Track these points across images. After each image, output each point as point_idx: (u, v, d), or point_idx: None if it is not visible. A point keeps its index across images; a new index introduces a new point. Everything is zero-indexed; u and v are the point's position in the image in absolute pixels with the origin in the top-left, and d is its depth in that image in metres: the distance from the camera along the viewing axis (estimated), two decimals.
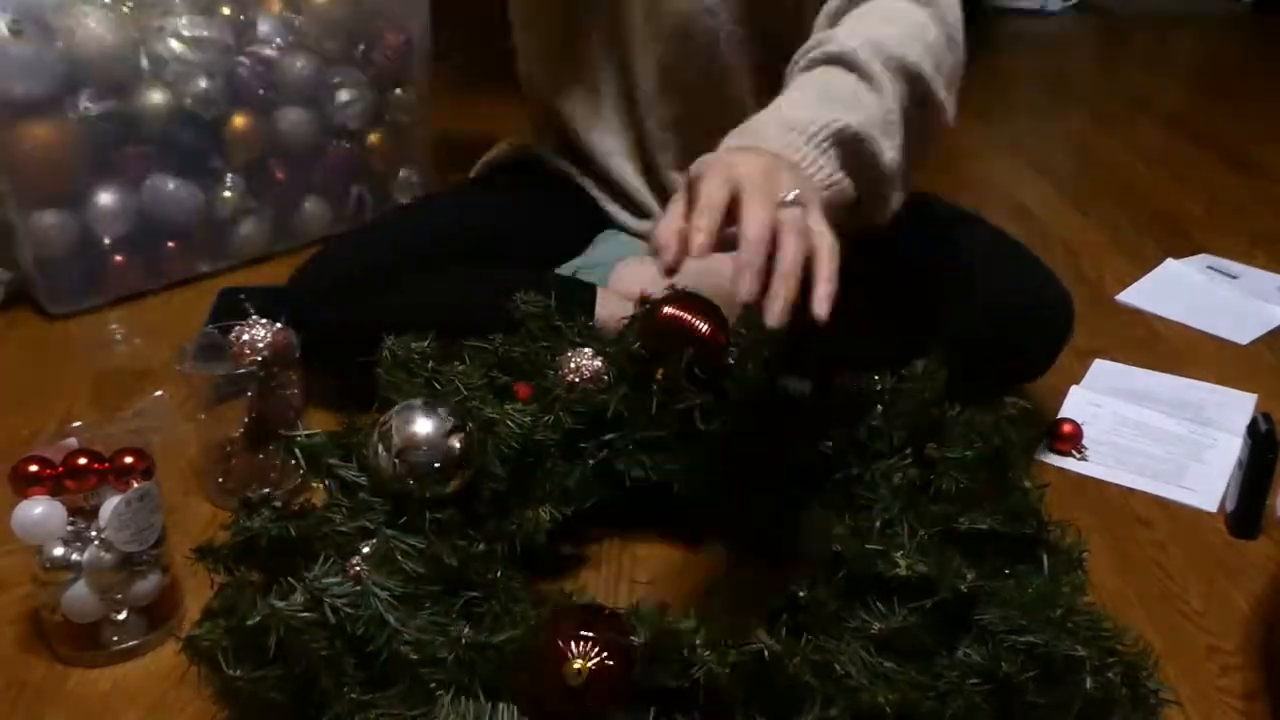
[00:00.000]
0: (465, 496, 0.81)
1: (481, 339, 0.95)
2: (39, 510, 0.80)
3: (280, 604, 0.68)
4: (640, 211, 1.25)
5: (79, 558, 0.81)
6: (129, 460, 0.83)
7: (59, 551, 0.81)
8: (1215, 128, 2.32)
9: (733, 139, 0.80)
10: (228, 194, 1.52)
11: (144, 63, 1.40)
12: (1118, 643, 0.70)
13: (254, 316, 1.00)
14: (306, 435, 0.83)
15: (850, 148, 0.81)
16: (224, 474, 1.04)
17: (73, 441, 0.85)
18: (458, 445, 0.79)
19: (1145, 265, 1.58)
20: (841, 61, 0.85)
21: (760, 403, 0.90)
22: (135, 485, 0.82)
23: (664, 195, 1.21)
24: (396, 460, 0.77)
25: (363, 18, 1.61)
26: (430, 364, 0.91)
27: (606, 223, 1.28)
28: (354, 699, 0.67)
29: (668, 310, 0.91)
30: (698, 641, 0.66)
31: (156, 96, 1.41)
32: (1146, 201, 1.87)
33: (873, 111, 0.82)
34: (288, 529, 0.75)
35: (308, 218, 1.62)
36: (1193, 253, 1.63)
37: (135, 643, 0.84)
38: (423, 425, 0.78)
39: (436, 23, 1.70)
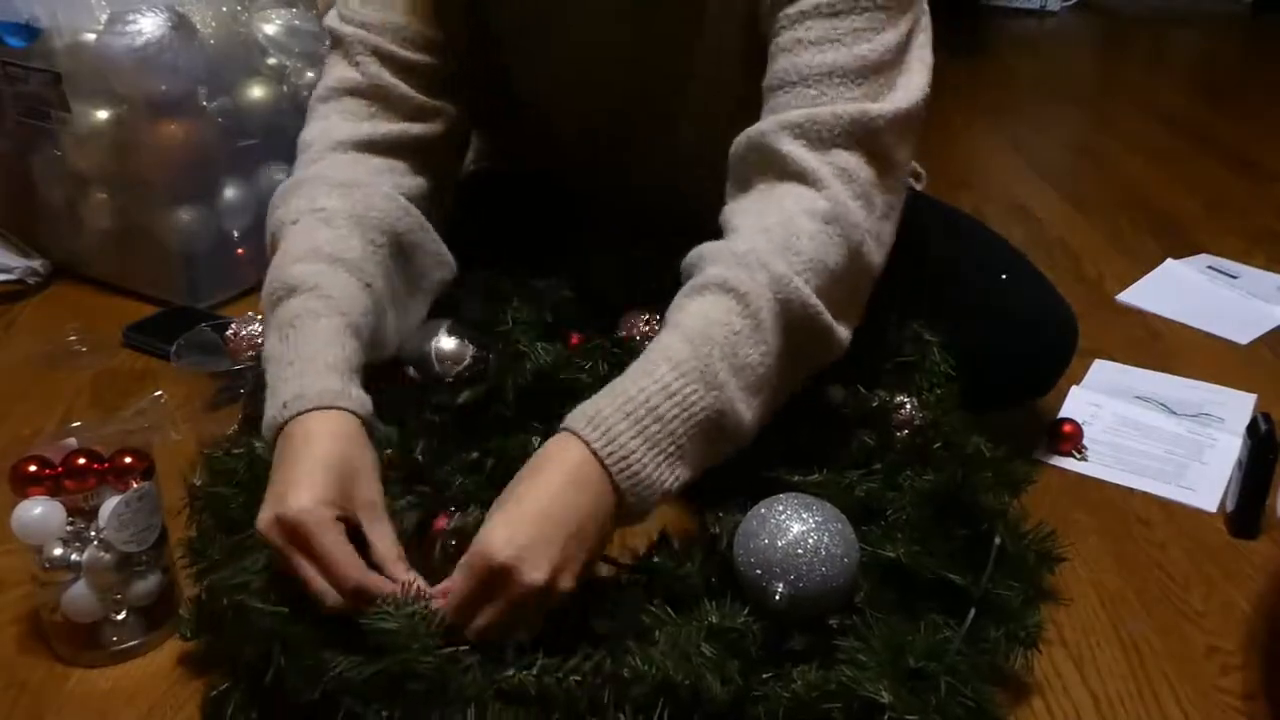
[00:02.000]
0: (475, 412, 0.90)
1: (548, 280, 1.00)
2: (39, 510, 0.80)
3: (257, 443, 0.81)
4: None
5: (79, 558, 0.81)
6: (129, 460, 0.83)
7: (59, 551, 0.81)
8: (1215, 128, 2.32)
9: (577, 420, 0.71)
10: None
11: (248, 55, 1.43)
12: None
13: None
14: None
15: (707, 426, 0.73)
16: None
17: (72, 441, 0.85)
18: (469, 362, 0.90)
19: (1145, 265, 1.58)
20: (731, 292, 0.76)
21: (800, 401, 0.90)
22: (135, 486, 0.82)
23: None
24: (412, 370, 0.88)
25: None
26: (514, 301, 0.98)
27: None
28: None
29: None
30: None
31: (260, 89, 1.44)
32: (1146, 201, 1.87)
33: (749, 371, 0.75)
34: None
35: None
36: (1193, 253, 1.63)
37: (135, 643, 0.84)
38: (446, 342, 0.90)
39: None
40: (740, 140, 0.84)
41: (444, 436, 0.88)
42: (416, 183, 0.93)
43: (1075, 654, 0.85)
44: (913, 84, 0.83)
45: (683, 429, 0.72)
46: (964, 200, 1.22)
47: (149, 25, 1.29)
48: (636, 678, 0.68)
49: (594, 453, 0.70)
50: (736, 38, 0.90)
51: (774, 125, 0.82)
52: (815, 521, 0.73)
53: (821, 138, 0.80)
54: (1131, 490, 1.06)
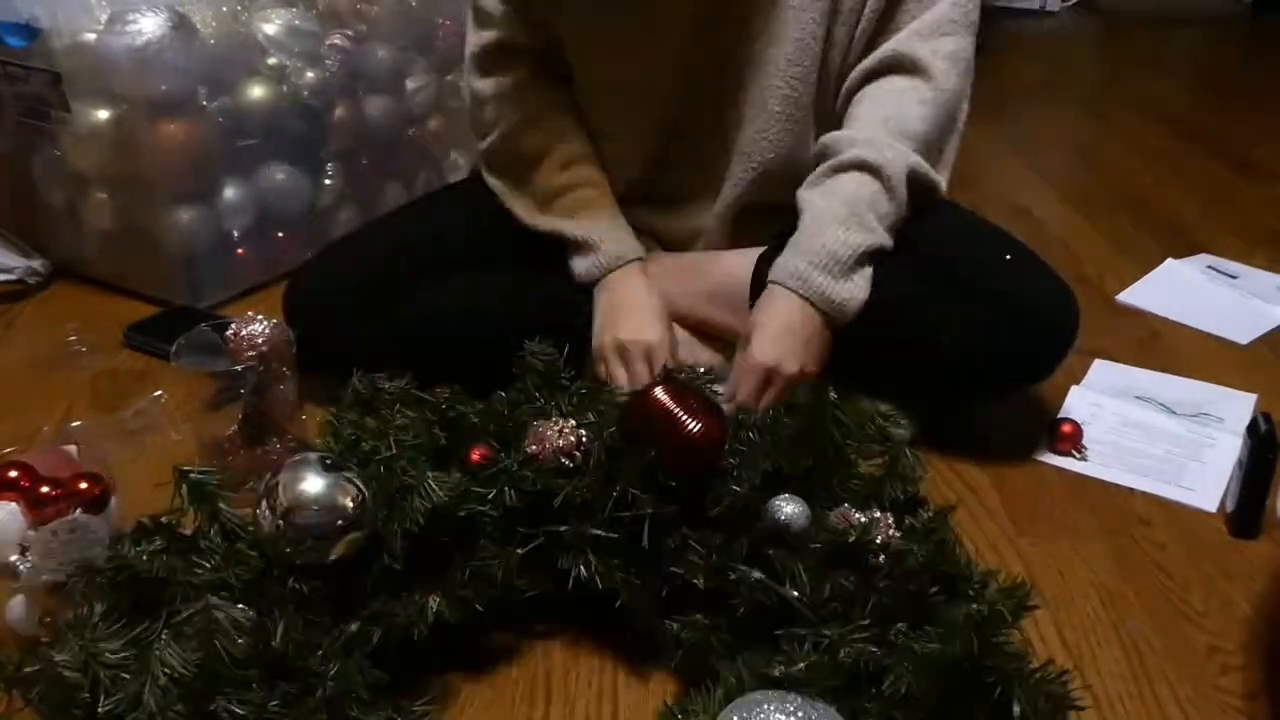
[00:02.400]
0: (355, 569, 0.76)
1: (427, 391, 0.88)
2: None
3: (56, 656, 0.66)
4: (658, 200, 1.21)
5: (25, 569, 0.79)
6: (82, 486, 0.81)
7: (13, 558, 0.79)
8: (1215, 128, 2.32)
9: (782, 277, 1.04)
10: (329, 182, 1.56)
11: (248, 55, 1.43)
12: None
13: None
14: (203, 471, 0.78)
15: (865, 258, 1.04)
16: (221, 471, 1.04)
17: (72, 449, 0.84)
18: (348, 509, 0.74)
19: (1145, 265, 1.58)
20: (867, 169, 1.04)
21: (743, 527, 0.79)
22: (74, 515, 0.79)
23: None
24: (281, 521, 0.72)
25: (425, 4, 1.65)
26: (397, 406, 0.85)
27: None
28: None
29: (658, 396, 0.79)
30: None
31: (260, 89, 1.44)
32: (1146, 201, 1.87)
33: (890, 219, 1.06)
34: (153, 568, 0.73)
35: (389, 203, 1.65)
36: (1193, 253, 1.63)
37: None
38: (313, 484, 0.73)
39: None
40: (869, 58, 1.10)
41: (312, 610, 0.73)
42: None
43: (1075, 654, 0.85)
44: None
45: (852, 261, 1.03)
46: (964, 200, 1.22)
47: (149, 25, 1.29)
48: None
49: (802, 297, 1.03)
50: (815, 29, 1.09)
51: (894, 41, 1.09)
52: None
53: (929, 33, 1.08)
54: (1131, 490, 1.06)
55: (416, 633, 0.76)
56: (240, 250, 1.47)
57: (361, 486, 0.75)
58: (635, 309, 1.10)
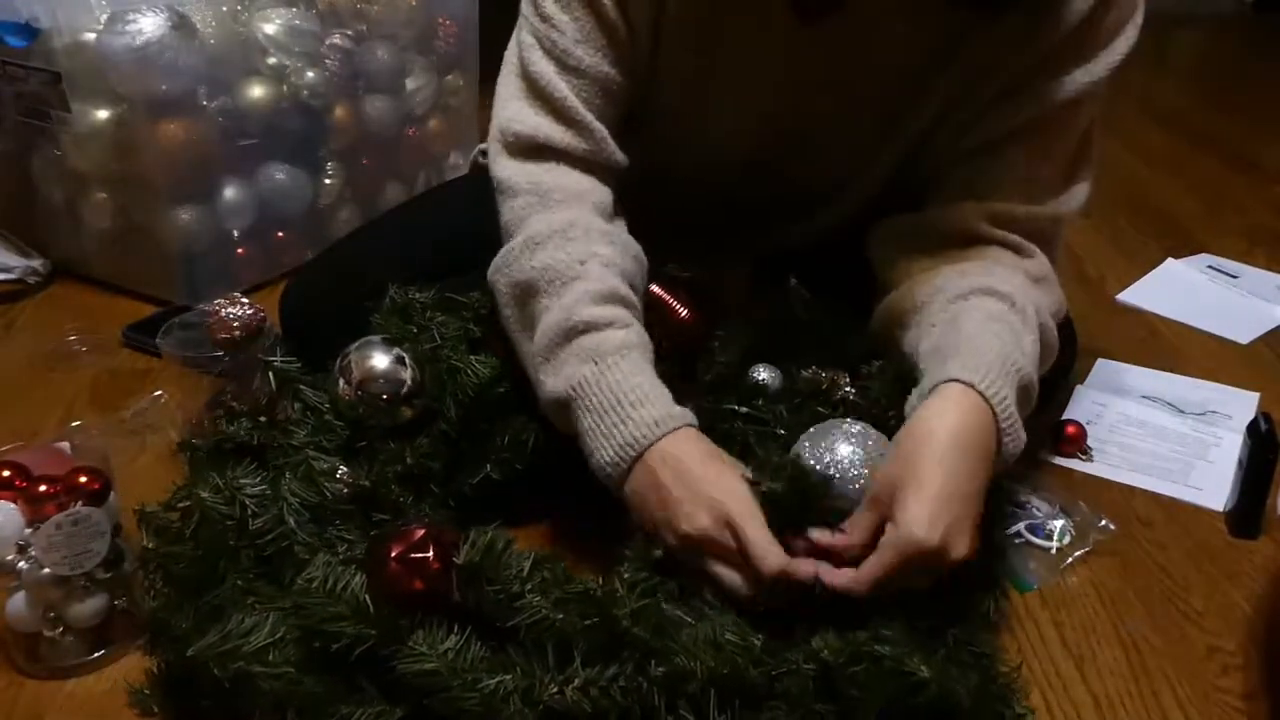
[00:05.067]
0: (419, 431, 0.90)
1: (461, 294, 0.98)
2: None
3: (204, 494, 0.80)
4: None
5: (26, 566, 0.80)
6: (82, 480, 0.82)
7: (10, 557, 0.79)
8: (1215, 128, 2.32)
9: (956, 367, 0.79)
10: (329, 181, 1.56)
11: (248, 55, 1.43)
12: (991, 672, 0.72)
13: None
14: (283, 360, 0.93)
15: (1023, 390, 0.82)
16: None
17: (65, 446, 0.84)
18: (407, 380, 0.89)
19: (1145, 265, 1.58)
20: (1004, 299, 0.86)
21: (728, 387, 0.92)
22: (73, 508, 0.79)
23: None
24: (358, 391, 0.88)
25: (425, 4, 1.65)
26: (428, 313, 0.97)
27: None
28: (238, 584, 0.77)
29: (653, 288, 0.92)
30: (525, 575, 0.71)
31: (260, 89, 1.44)
32: (1146, 201, 1.87)
33: (1031, 357, 0.84)
34: (253, 437, 0.88)
35: (389, 203, 1.65)
36: (1193, 253, 1.63)
37: (72, 663, 0.83)
38: (380, 360, 0.89)
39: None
40: (938, 212, 0.94)
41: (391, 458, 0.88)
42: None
43: (1075, 654, 0.85)
44: (1084, 190, 0.96)
45: (1016, 384, 0.80)
46: None
47: (149, 25, 1.29)
48: (683, 675, 0.67)
49: (985, 399, 0.77)
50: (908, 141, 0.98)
51: (980, 212, 0.92)
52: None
53: (1015, 228, 0.91)
54: (1133, 490, 1.06)
55: (468, 488, 0.91)
56: (240, 250, 1.47)
57: (415, 363, 0.90)
58: (695, 478, 0.77)
